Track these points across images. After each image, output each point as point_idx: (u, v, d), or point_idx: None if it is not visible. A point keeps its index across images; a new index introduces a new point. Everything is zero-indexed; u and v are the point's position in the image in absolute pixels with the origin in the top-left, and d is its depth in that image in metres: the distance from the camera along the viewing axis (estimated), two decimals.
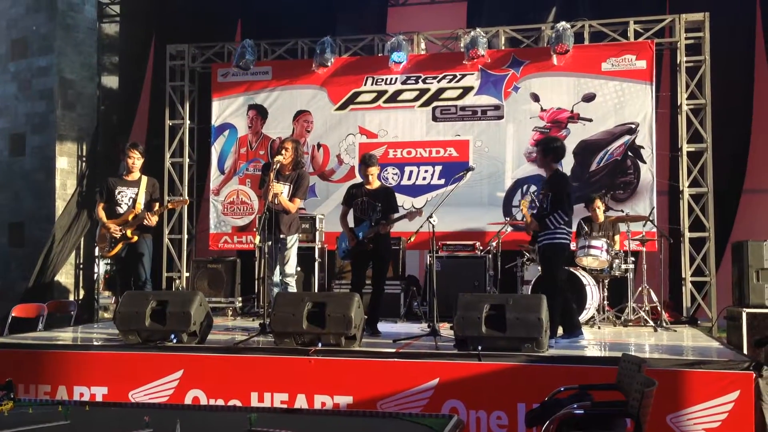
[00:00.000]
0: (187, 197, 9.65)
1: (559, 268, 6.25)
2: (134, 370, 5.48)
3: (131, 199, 6.85)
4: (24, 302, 8.15)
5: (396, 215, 6.86)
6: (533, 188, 8.01)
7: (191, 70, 10.16)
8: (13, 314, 7.38)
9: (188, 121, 10.14)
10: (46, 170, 10.63)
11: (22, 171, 10.85)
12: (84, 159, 10.87)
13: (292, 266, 6.69)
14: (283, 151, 6.55)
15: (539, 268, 7.51)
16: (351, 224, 6.95)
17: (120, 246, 6.79)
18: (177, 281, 10.01)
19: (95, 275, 10.79)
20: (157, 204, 6.97)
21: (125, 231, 6.76)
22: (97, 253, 10.47)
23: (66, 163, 10.71)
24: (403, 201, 8.81)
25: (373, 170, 6.86)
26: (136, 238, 6.80)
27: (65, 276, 10.67)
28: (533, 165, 8.83)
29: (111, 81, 11.27)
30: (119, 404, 4.03)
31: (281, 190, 6.51)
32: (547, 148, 6.24)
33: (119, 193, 6.87)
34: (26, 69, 10.90)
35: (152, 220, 6.78)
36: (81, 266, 10.89)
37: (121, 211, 6.83)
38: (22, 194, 10.81)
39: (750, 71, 8.99)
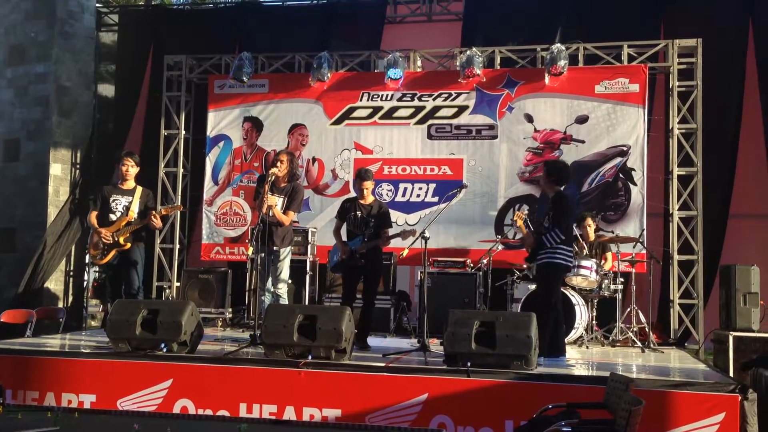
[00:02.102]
0: (180, 204, 9.64)
1: (556, 286, 6.33)
2: (123, 378, 5.45)
3: (125, 208, 6.86)
4: (13, 308, 8.12)
5: (390, 232, 6.90)
6: (525, 208, 8.10)
7: (188, 80, 10.20)
8: (1, 320, 7.35)
9: (183, 132, 10.16)
10: (39, 177, 10.60)
11: (15, 177, 10.82)
12: (78, 166, 10.87)
13: (284, 278, 6.71)
14: (279, 164, 6.58)
15: (531, 285, 7.58)
16: (344, 238, 6.98)
17: (113, 253, 6.79)
18: (167, 290, 10.00)
19: (85, 283, 10.75)
20: (153, 211, 6.98)
21: (118, 238, 6.76)
22: (87, 261, 10.44)
23: (60, 170, 10.69)
24: (397, 217, 8.85)
25: (368, 184, 6.91)
26: (129, 245, 6.81)
27: (55, 283, 10.63)
28: (526, 185, 8.93)
29: (107, 90, 11.30)
30: (109, 412, 4.04)
31: (275, 202, 6.53)
32: (552, 169, 6.44)
33: (113, 201, 6.89)
34: (23, 75, 10.90)
35: (157, 222, 6.80)
36: (71, 273, 10.84)
37: (114, 219, 6.84)
38: (15, 200, 10.77)
39: (740, 97, 9.09)
